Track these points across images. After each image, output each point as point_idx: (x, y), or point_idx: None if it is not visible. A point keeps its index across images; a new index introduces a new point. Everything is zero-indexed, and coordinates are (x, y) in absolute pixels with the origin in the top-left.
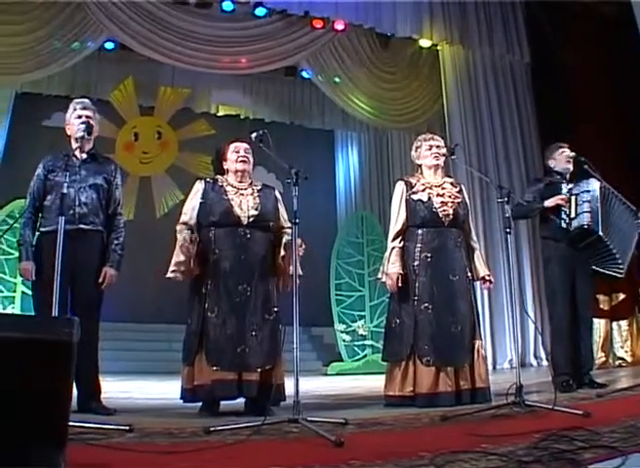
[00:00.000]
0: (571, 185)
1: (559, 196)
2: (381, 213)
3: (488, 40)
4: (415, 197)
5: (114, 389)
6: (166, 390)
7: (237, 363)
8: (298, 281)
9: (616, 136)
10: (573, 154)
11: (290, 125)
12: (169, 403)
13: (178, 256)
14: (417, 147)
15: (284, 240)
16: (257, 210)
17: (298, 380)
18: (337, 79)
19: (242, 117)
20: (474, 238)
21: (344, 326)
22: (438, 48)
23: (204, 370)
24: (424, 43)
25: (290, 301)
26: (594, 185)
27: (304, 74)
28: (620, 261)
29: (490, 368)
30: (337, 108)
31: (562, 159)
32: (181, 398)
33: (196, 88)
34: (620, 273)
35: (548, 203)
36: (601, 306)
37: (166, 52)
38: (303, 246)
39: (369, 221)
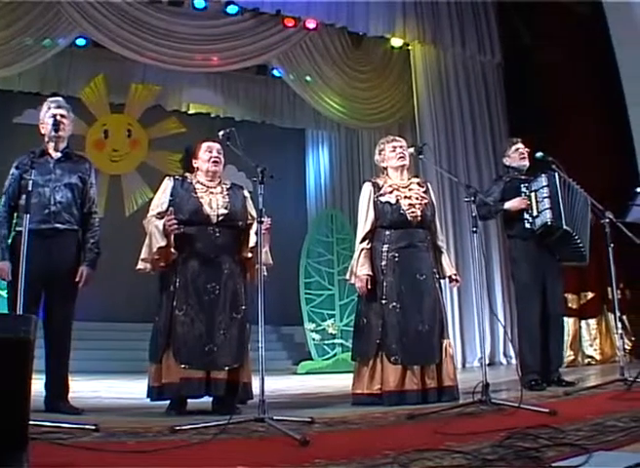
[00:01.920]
0: (527, 184)
1: (518, 199)
2: (352, 211)
3: (460, 40)
4: (382, 199)
5: (83, 388)
6: (134, 389)
7: (206, 361)
8: (265, 273)
9: (587, 135)
10: (539, 154)
11: (261, 123)
12: (137, 402)
13: (148, 247)
14: (380, 150)
15: (254, 228)
16: (226, 209)
17: (263, 379)
18: (308, 78)
19: (213, 115)
20: (441, 237)
21: (314, 325)
22: (409, 47)
23: (172, 368)
24: (396, 42)
25: (258, 300)
26: (552, 178)
27: (276, 73)
28: (581, 246)
29: (459, 366)
30: (308, 107)
31: (516, 156)
32: (148, 396)
33: (167, 85)
34: (584, 260)
35: (508, 206)
36: (570, 305)
37: (138, 49)
38: (269, 220)
39: (339, 220)
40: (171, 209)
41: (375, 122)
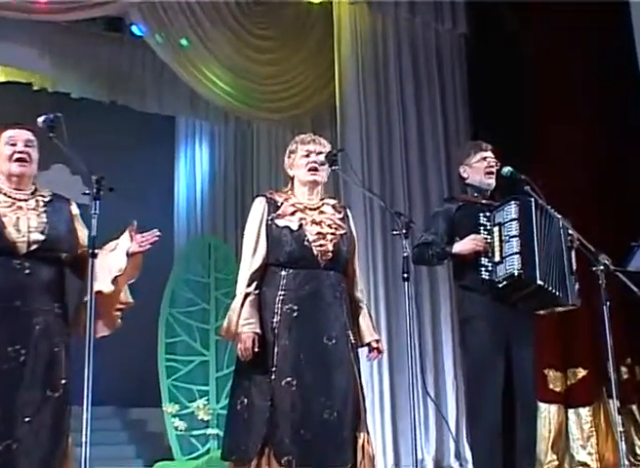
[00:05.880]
0: (490, 212)
1: (471, 239)
2: (239, 239)
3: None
4: (280, 222)
5: None
6: None
7: None
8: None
9: (575, 145)
10: (507, 170)
11: (110, 105)
12: None
13: None
14: (291, 152)
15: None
16: (42, 233)
17: None
18: (184, 42)
19: (36, 88)
20: (360, 287)
21: (178, 406)
22: (333, 7)
23: None
24: None
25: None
26: (526, 208)
27: (135, 30)
28: (558, 295)
29: None
30: (182, 85)
31: (480, 168)
32: None
33: None
34: (573, 304)
35: (458, 249)
36: (551, 386)
37: None
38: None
39: (220, 252)
40: None
41: (279, 112)
